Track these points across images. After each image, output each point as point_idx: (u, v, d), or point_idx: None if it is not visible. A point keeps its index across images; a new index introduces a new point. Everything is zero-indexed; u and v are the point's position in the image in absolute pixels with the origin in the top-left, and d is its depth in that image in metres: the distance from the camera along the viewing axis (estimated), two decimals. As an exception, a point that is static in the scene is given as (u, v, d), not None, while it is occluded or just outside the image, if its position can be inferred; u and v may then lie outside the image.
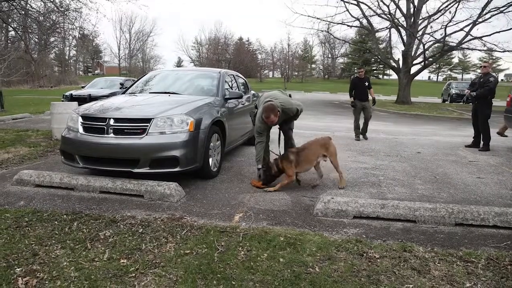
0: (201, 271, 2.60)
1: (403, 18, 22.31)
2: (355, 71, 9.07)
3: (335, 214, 3.70)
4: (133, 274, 2.56)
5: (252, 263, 2.72)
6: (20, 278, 2.50)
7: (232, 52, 67.81)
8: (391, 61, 25.07)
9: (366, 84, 8.61)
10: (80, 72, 67.30)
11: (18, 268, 2.63)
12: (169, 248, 2.94)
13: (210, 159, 4.80)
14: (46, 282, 2.47)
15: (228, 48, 69.24)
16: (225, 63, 62.30)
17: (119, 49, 65.49)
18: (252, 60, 68.91)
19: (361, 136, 8.76)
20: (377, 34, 25.08)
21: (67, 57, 57.48)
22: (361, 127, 8.78)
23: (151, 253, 2.86)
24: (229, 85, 6.28)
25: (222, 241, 3.06)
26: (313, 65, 78.27)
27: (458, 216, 3.54)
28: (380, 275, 2.61)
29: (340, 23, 23.18)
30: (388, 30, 23.60)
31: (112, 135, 4.35)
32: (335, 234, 3.30)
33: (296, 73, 72.74)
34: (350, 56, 61.79)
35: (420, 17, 21.90)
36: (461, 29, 20.85)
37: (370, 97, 8.77)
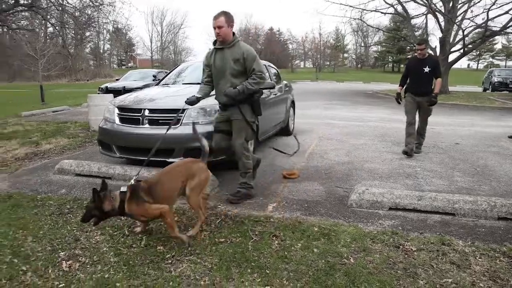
0: (236, 259, 2.63)
1: (441, 3, 21.32)
2: (415, 47, 6.08)
3: (370, 205, 3.63)
4: (170, 261, 2.63)
5: (286, 253, 2.72)
6: (64, 261, 2.62)
7: (263, 43, 67.54)
8: (428, 49, 24.16)
9: (428, 69, 5.66)
10: (114, 65, 69.01)
11: (62, 252, 2.76)
12: (204, 236, 2.99)
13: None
14: (88, 266, 2.58)
15: (259, 38, 69.00)
16: (256, 53, 62.18)
17: (151, 42, 66.88)
18: (283, 50, 68.41)
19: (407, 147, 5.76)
20: (413, 21, 24.12)
21: (101, 51, 59.10)
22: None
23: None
24: (261, 75, 6.24)
25: (256, 230, 3.08)
26: (346, 55, 76.73)
27: (501, 210, 3.39)
28: (417, 268, 2.54)
29: (373, 10, 22.47)
30: (424, 16, 22.66)
31: (147, 125, 4.45)
32: (370, 226, 3.25)
33: (328, 63, 71.58)
34: (384, 44, 60.17)
35: (460, 1, 20.85)
36: (506, 12, 19.54)
37: (436, 90, 5.73)
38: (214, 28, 3.64)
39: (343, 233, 3.04)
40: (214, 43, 3.81)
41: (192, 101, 3.84)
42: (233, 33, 3.75)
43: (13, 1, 8.42)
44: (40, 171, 5.00)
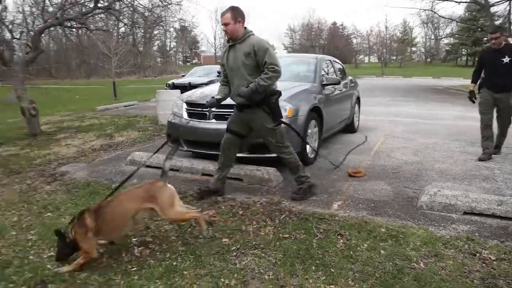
0: (300, 256, 2.61)
1: (527, -13, 19.28)
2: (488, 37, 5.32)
3: (442, 208, 3.41)
4: (234, 253, 2.68)
5: (351, 252, 2.65)
6: (136, 247, 2.79)
7: (326, 38, 66.34)
8: (510, 39, 22.03)
9: (508, 59, 4.85)
10: (180, 62, 71.57)
11: (134, 238, 2.94)
12: (268, 231, 3.01)
13: (308, 146, 4.76)
14: (157, 253, 2.72)
15: (322, 33, 67.86)
16: (319, 48, 61.30)
17: (215, 39, 68.38)
18: (347, 44, 66.68)
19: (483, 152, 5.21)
20: (492, 9, 22.11)
21: (168, 49, 61.70)
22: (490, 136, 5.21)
23: (251, 235, 2.95)
24: (325, 71, 6.13)
25: (320, 228, 3.03)
26: (414, 48, 72.63)
27: None
28: (497, 279, 2.34)
29: (446, 0, 21.02)
30: (508, 2, 20.66)
31: (213, 120, 4.57)
32: (442, 230, 3.05)
33: (394, 57, 68.33)
34: (457, 36, 56.02)
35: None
36: None
37: None
38: (222, 25, 3.48)
39: (412, 235, 2.90)
40: (228, 40, 3.62)
41: (212, 103, 3.83)
42: (245, 28, 3.54)
43: (93, 5, 9.10)
44: (114, 161, 5.36)
